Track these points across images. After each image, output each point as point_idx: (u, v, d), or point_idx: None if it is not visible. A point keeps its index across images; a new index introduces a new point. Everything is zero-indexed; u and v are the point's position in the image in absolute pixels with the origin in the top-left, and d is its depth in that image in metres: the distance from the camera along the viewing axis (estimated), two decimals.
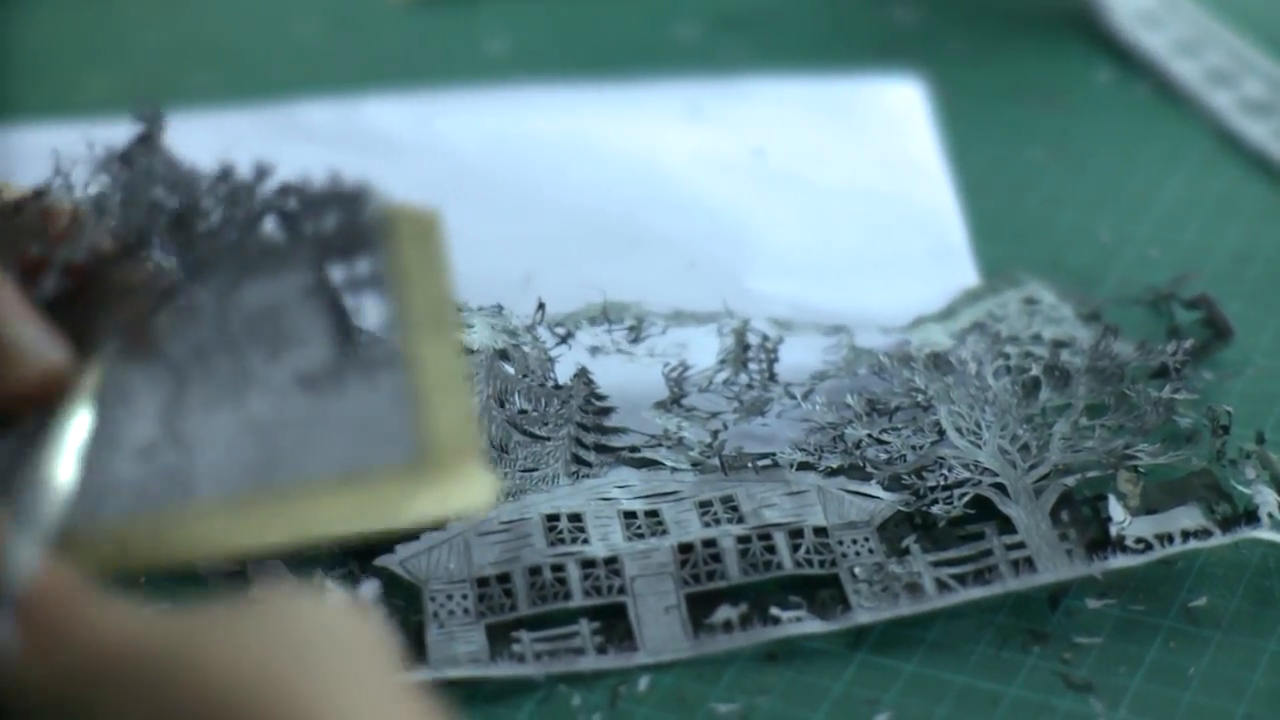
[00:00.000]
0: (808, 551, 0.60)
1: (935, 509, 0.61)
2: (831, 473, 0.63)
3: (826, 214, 0.80)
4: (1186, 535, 0.59)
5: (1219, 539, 0.59)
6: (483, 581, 0.60)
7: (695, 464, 0.64)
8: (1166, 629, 0.58)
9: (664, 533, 0.61)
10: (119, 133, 0.49)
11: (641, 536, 0.61)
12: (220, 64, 0.98)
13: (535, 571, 0.60)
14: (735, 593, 0.59)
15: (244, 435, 0.43)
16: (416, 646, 0.58)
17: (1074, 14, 0.94)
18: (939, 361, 0.67)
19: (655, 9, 0.99)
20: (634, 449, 0.65)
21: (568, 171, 0.84)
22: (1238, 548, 0.60)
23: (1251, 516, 0.60)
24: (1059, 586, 0.59)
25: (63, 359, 0.45)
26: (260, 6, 1.05)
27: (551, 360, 0.67)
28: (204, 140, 0.49)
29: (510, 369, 0.66)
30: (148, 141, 0.49)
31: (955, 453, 0.63)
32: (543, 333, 0.68)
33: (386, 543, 0.60)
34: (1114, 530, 0.60)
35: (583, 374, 0.67)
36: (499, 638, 0.58)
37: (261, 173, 0.47)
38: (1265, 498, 0.60)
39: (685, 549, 0.61)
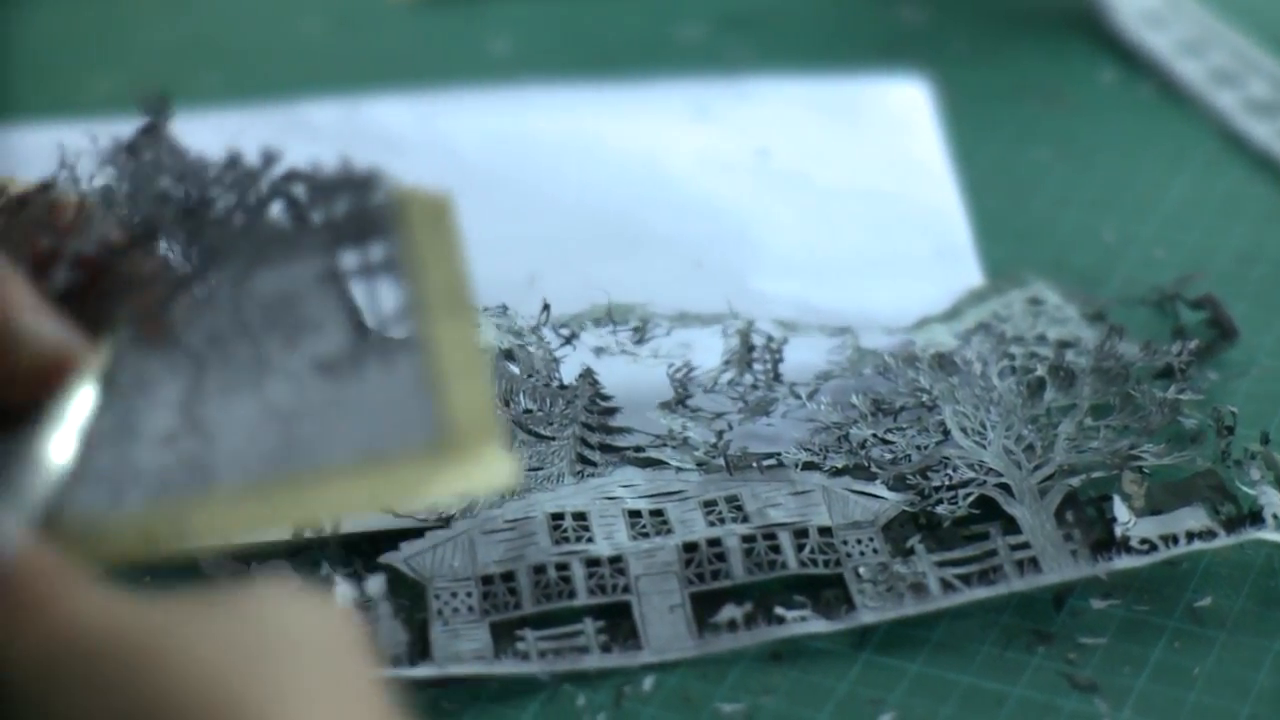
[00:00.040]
0: (812, 551, 0.60)
1: (940, 509, 0.61)
2: (836, 473, 0.63)
3: (831, 214, 0.80)
4: (1191, 536, 0.59)
5: (1224, 540, 0.59)
6: (487, 579, 0.60)
7: (700, 464, 0.64)
8: (1171, 629, 0.58)
9: (669, 532, 0.61)
10: (124, 130, 0.49)
11: (646, 536, 0.61)
12: (224, 64, 0.98)
13: (540, 570, 0.60)
14: (740, 592, 0.59)
15: (264, 422, 0.43)
16: (421, 643, 0.58)
17: (1078, 14, 0.94)
18: (944, 362, 0.67)
19: (659, 9, 0.99)
20: (639, 449, 0.65)
21: (572, 172, 0.84)
22: (1243, 548, 0.60)
23: (1256, 517, 0.60)
24: (1064, 587, 0.59)
25: (75, 348, 0.45)
26: (264, 6, 1.05)
27: (556, 360, 0.67)
28: (208, 140, 0.49)
29: (515, 369, 0.66)
30: (154, 131, 0.49)
31: (960, 453, 0.63)
32: (547, 333, 0.68)
33: (392, 539, 0.61)
34: (1119, 531, 0.60)
35: (588, 374, 0.67)
36: (503, 636, 0.58)
37: (269, 159, 0.47)
38: (1270, 499, 0.60)
39: (690, 548, 0.61)
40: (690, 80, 0.91)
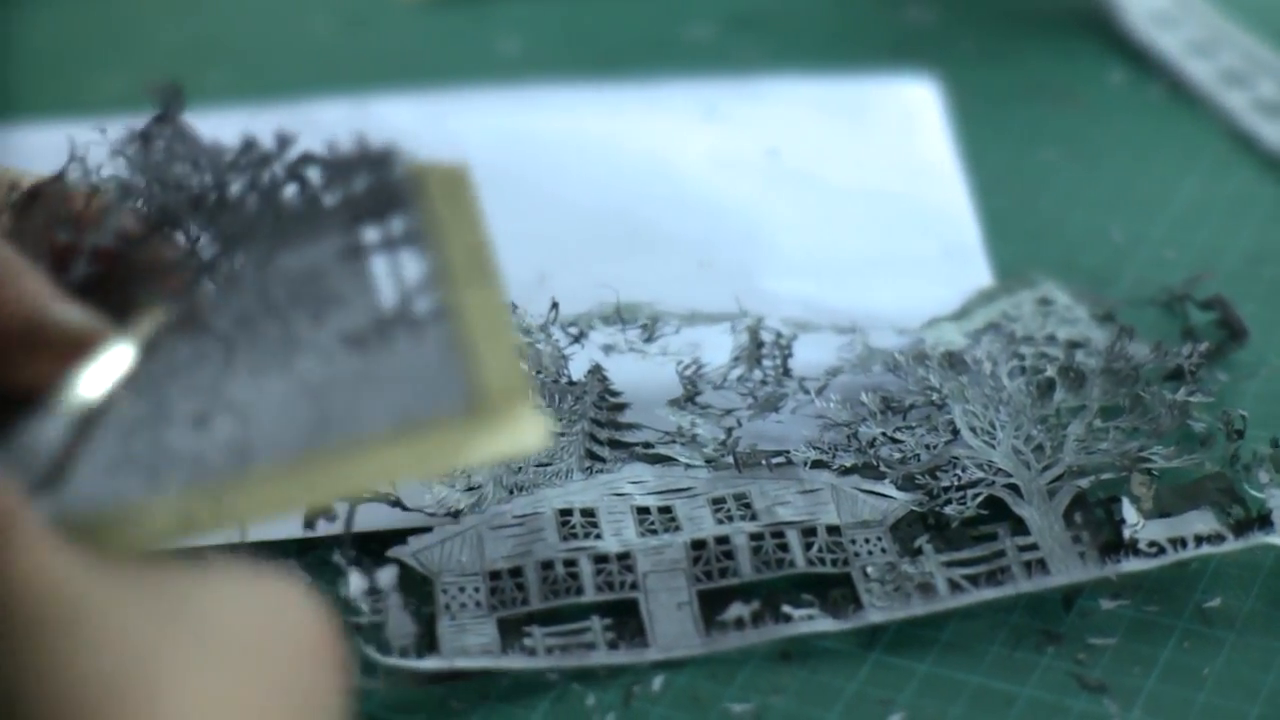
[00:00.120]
0: (820, 550, 0.60)
1: (949, 509, 0.61)
2: (845, 471, 0.63)
3: (840, 214, 0.80)
4: (1200, 540, 0.59)
5: (1232, 544, 0.59)
6: (495, 575, 0.60)
7: (709, 461, 0.64)
8: (1181, 630, 0.57)
9: (677, 529, 0.61)
10: (134, 125, 0.49)
11: (654, 532, 0.61)
12: (232, 63, 0.98)
13: (547, 566, 0.60)
14: (747, 590, 0.59)
15: (296, 398, 0.43)
16: (429, 637, 0.57)
17: (1087, 14, 0.94)
18: (954, 360, 0.66)
19: (668, 9, 0.99)
20: (648, 445, 0.65)
21: (581, 171, 0.84)
22: (1252, 549, 0.59)
23: (1265, 521, 0.59)
24: (1073, 587, 0.59)
25: (101, 334, 0.45)
26: (273, 6, 1.05)
27: (565, 358, 0.67)
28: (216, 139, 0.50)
29: (523, 366, 0.66)
30: (167, 119, 0.49)
31: (969, 452, 0.63)
32: (556, 332, 0.68)
33: (401, 536, 0.61)
34: (1127, 533, 0.60)
35: (596, 370, 0.67)
36: (510, 632, 0.58)
37: (284, 142, 0.47)
38: (1279, 502, 0.60)
39: (698, 546, 0.60)
40: (699, 80, 0.91)
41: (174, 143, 0.48)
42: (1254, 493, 0.61)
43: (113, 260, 0.48)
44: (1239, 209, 0.79)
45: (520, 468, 0.63)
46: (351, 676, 0.43)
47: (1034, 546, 0.60)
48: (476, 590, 0.59)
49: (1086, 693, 0.55)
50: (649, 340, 0.70)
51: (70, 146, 0.50)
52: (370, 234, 0.45)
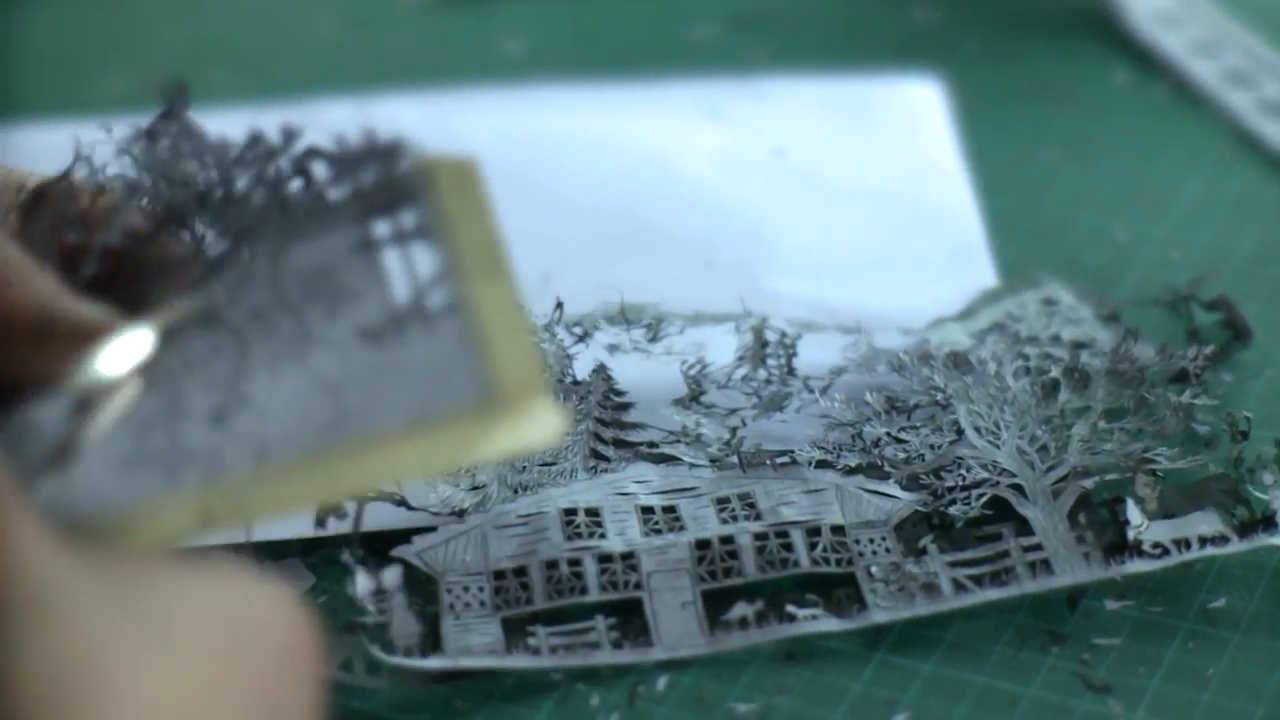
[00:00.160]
0: (825, 550, 0.60)
1: (953, 509, 0.61)
2: (850, 471, 0.63)
3: (844, 214, 0.80)
4: (1204, 541, 0.59)
5: (1236, 545, 0.59)
6: (499, 574, 0.60)
7: (713, 460, 0.64)
8: (1185, 630, 0.57)
9: (681, 529, 0.61)
10: (138, 124, 0.49)
11: (659, 532, 0.61)
12: (235, 63, 0.98)
13: (552, 565, 0.60)
14: (751, 590, 0.59)
15: (311, 393, 0.43)
16: (433, 635, 0.57)
17: (1091, 14, 0.94)
18: (958, 360, 0.66)
19: (673, 9, 0.99)
20: (652, 445, 0.65)
21: (585, 171, 0.84)
22: (1256, 550, 0.59)
23: (1269, 523, 0.59)
24: (1077, 588, 0.59)
25: (112, 325, 0.45)
26: (276, 5, 1.05)
27: (570, 357, 0.67)
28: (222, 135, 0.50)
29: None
30: (172, 116, 0.49)
31: (974, 453, 0.63)
32: (560, 332, 0.68)
33: (406, 536, 0.61)
34: (1131, 534, 0.60)
35: (601, 370, 0.67)
36: (514, 631, 0.58)
37: (290, 135, 0.47)
38: None
39: (702, 545, 0.60)
40: (703, 80, 0.91)
41: (180, 139, 0.48)
42: (1258, 494, 0.61)
43: (121, 258, 0.48)
44: (1243, 209, 0.79)
45: (525, 467, 0.63)
46: (329, 681, 0.43)
47: (1038, 547, 0.60)
48: (481, 590, 0.59)
49: (1091, 693, 0.55)
50: (653, 340, 0.70)
51: (76, 146, 0.50)
52: (381, 228, 0.45)
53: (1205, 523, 0.60)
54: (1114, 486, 0.62)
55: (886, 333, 0.70)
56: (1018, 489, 0.62)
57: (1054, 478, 0.62)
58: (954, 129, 0.86)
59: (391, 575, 0.58)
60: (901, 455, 0.63)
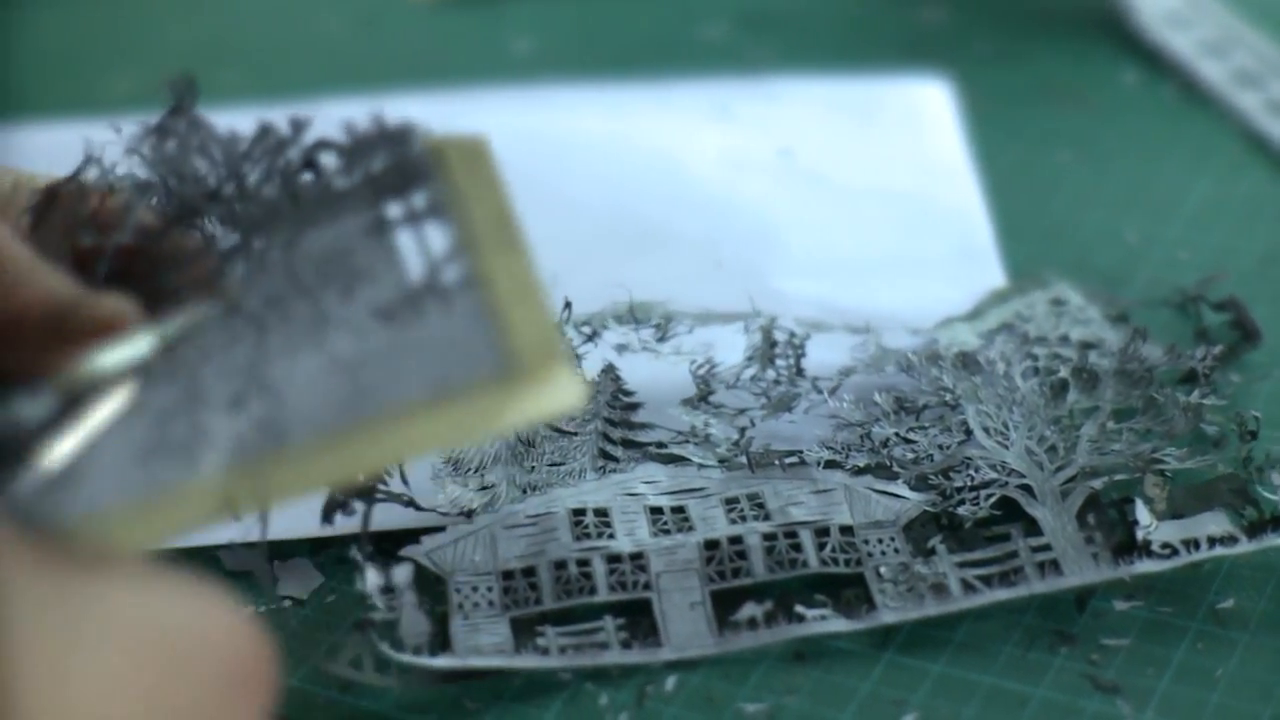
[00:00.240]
0: (833, 550, 0.60)
1: (962, 510, 0.61)
2: (858, 471, 0.63)
3: (853, 214, 0.80)
4: (1213, 542, 0.59)
5: (1245, 546, 0.59)
6: (508, 575, 0.60)
7: (722, 461, 0.64)
8: (1194, 631, 0.57)
9: (690, 529, 0.61)
10: (146, 123, 0.49)
11: (668, 532, 0.61)
12: (243, 63, 0.98)
13: (561, 566, 0.60)
14: (760, 590, 0.59)
15: (330, 374, 0.43)
16: (442, 635, 0.57)
17: (1100, 15, 0.94)
18: (967, 361, 0.66)
19: (681, 9, 0.99)
20: (661, 445, 0.65)
21: (593, 171, 0.84)
22: (1265, 550, 0.59)
23: (1278, 522, 0.59)
24: (1086, 588, 0.59)
25: (129, 316, 0.45)
26: (284, 5, 1.05)
27: (579, 357, 0.67)
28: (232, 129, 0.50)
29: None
30: (181, 111, 0.49)
31: (982, 453, 0.63)
32: (569, 331, 0.68)
33: (415, 536, 0.61)
34: (1140, 534, 0.59)
35: (610, 370, 0.67)
36: (523, 631, 0.58)
37: (298, 126, 0.47)
38: None
39: (711, 546, 0.60)
40: (712, 80, 0.91)
41: (189, 135, 0.48)
42: (1267, 494, 0.61)
43: (134, 255, 0.48)
44: (1252, 210, 0.79)
45: (533, 467, 0.64)
46: (277, 694, 0.43)
47: (1047, 547, 0.60)
48: (490, 590, 0.59)
49: (1100, 694, 0.55)
50: (662, 340, 0.70)
51: (86, 147, 0.50)
52: (394, 209, 0.45)
53: (1214, 523, 0.60)
54: (1123, 487, 0.62)
55: (895, 333, 0.70)
56: (1026, 489, 0.62)
57: (1063, 478, 0.62)
58: (962, 129, 0.86)
59: (401, 573, 0.58)
60: (910, 456, 0.63)
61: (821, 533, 0.61)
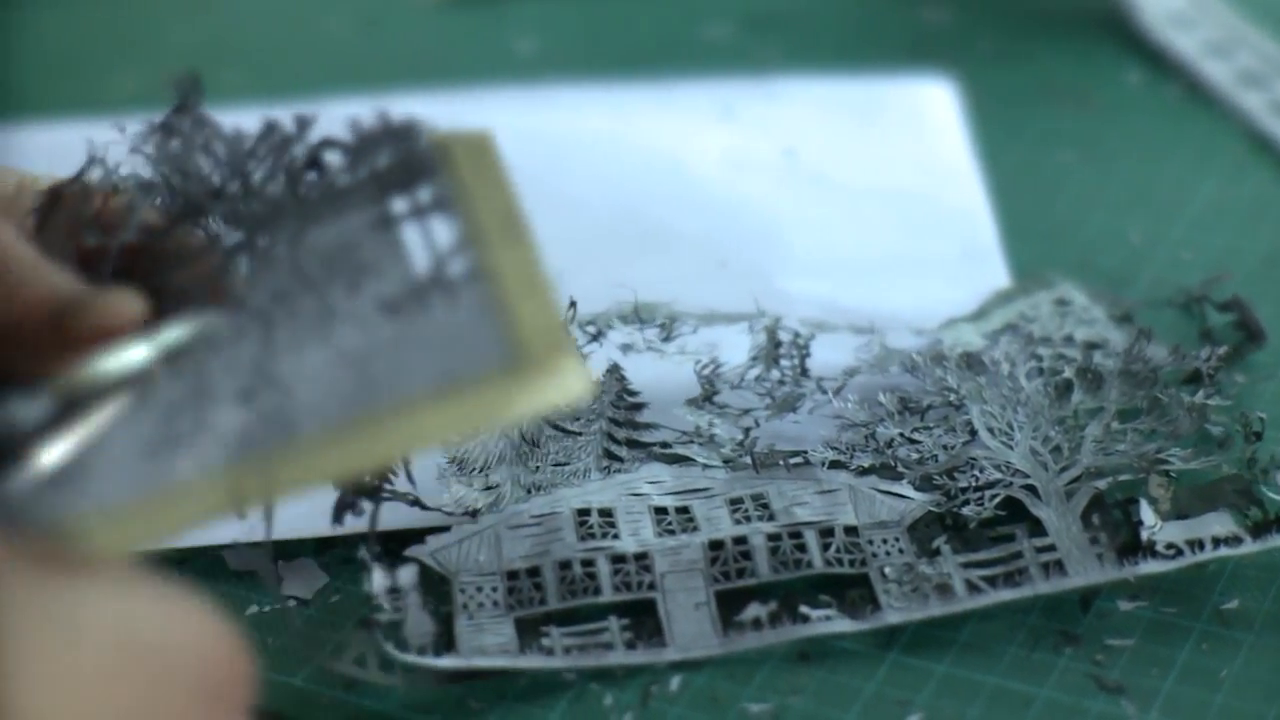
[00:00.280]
0: (838, 550, 0.60)
1: (966, 510, 0.61)
2: (863, 472, 0.63)
3: (857, 214, 0.80)
4: (1217, 542, 0.59)
5: (1249, 546, 0.59)
6: (512, 575, 0.60)
7: (727, 461, 0.64)
8: (1199, 631, 0.57)
9: (695, 529, 0.61)
10: (152, 120, 0.50)
11: (672, 533, 0.61)
12: (247, 63, 0.98)
13: (565, 566, 0.60)
14: (765, 591, 0.59)
15: (337, 367, 0.43)
16: (447, 635, 0.57)
17: (1104, 15, 0.94)
18: (971, 361, 0.66)
19: (685, 9, 0.99)
20: (665, 445, 0.65)
21: (597, 171, 0.84)
22: (1270, 551, 0.59)
23: None
24: (1090, 588, 0.59)
25: (134, 312, 0.45)
26: (287, 5, 1.05)
27: (584, 356, 0.67)
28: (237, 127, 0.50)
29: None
30: (185, 109, 0.49)
31: (987, 453, 0.63)
32: (574, 331, 0.68)
33: (420, 536, 0.61)
34: (1145, 535, 0.59)
35: (615, 369, 0.67)
36: (528, 632, 0.58)
37: (303, 123, 0.47)
38: None
39: (716, 546, 0.60)
40: (716, 80, 0.91)
41: (194, 133, 0.49)
42: (1272, 495, 0.61)
43: (138, 253, 0.48)
44: (1257, 210, 0.79)
45: (538, 467, 0.63)
46: (256, 700, 0.43)
47: (1052, 548, 0.60)
48: (494, 590, 0.59)
49: (1104, 694, 0.55)
50: (667, 340, 0.70)
51: (89, 147, 0.50)
52: (399, 204, 0.46)
53: (1219, 523, 0.60)
54: (1127, 487, 0.62)
55: (899, 333, 0.70)
56: (1031, 490, 0.61)
57: (1067, 478, 0.62)
58: (966, 129, 0.86)
59: (407, 573, 0.58)
60: (915, 456, 0.63)
61: (826, 533, 0.61)
